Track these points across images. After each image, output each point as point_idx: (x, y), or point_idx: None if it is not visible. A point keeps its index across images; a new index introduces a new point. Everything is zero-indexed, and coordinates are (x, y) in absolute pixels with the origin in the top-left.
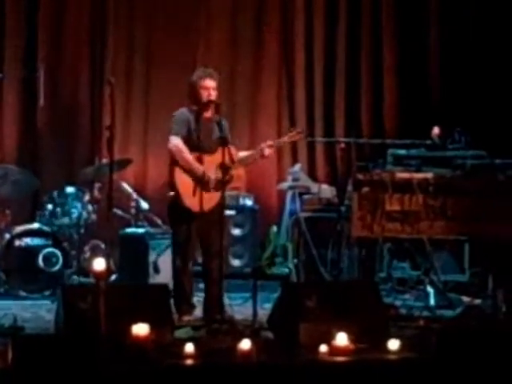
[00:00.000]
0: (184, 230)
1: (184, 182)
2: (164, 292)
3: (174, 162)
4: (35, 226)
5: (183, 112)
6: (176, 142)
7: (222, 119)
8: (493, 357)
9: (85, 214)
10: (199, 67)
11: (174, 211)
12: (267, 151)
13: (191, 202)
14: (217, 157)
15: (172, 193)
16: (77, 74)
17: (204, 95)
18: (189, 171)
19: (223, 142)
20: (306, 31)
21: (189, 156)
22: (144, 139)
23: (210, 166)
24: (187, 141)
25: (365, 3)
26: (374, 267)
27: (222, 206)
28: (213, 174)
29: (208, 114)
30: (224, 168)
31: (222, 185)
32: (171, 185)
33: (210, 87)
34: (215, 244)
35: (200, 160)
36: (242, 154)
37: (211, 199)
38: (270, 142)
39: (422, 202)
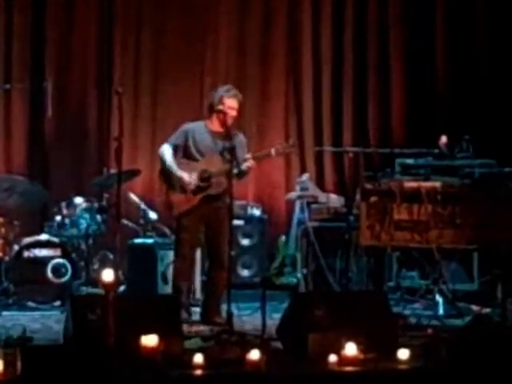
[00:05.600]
0: (180, 238)
1: (170, 181)
2: (173, 302)
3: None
4: (44, 237)
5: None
6: (164, 147)
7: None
8: (502, 366)
9: (93, 225)
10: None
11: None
12: (245, 165)
13: (175, 198)
14: (202, 164)
15: (160, 198)
16: (85, 85)
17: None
18: (171, 174)
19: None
20: (313, 42)
21: (170, 159)
22: (152, 150)
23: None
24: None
25: (371, 13)
26: (383, 276)
27: (219, 214)
28: (194, 179)
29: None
30: (205, 175)
31: (200, 191)
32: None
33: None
34: (219, 254)
35: (190, 167)
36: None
37: (188, 201)
38: (249, 155)
39: (430, 211)
